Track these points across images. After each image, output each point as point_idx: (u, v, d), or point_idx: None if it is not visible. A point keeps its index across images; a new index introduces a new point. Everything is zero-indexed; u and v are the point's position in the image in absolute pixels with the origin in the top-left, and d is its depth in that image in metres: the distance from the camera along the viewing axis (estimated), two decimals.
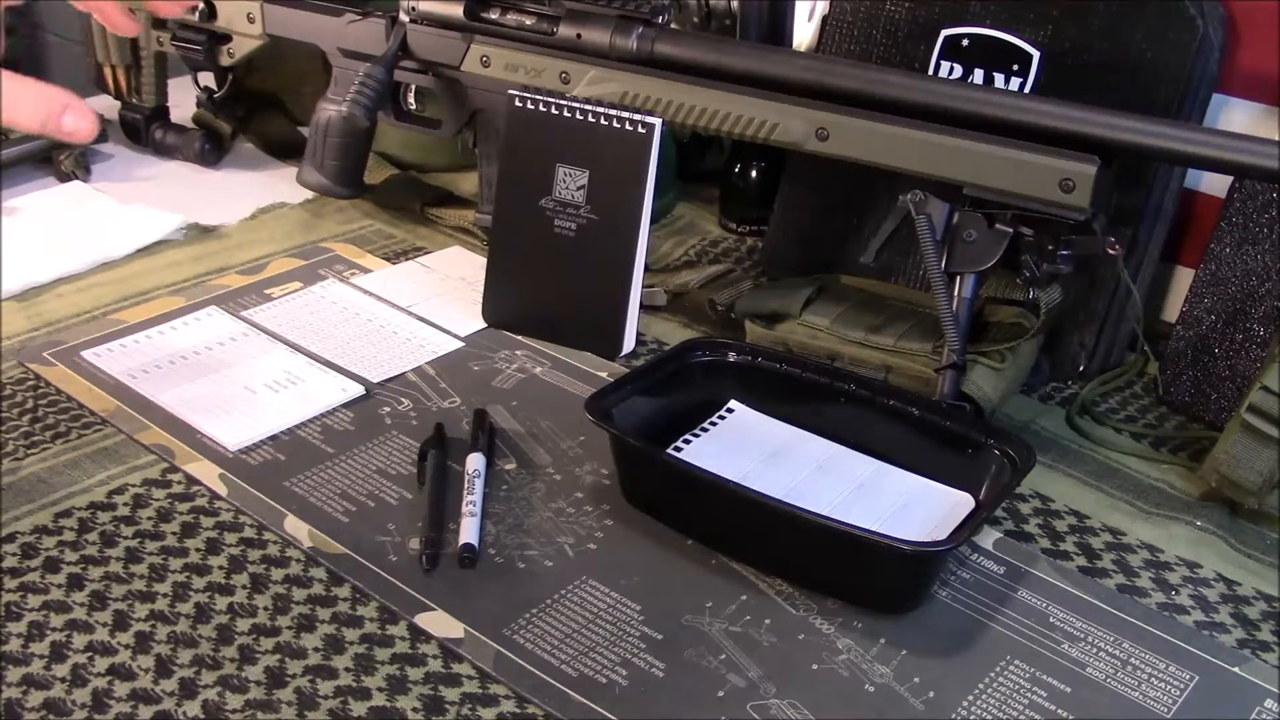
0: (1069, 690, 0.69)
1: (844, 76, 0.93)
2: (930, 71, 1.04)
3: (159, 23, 1.27)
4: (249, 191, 1.27)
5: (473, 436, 0.86)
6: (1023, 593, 0.76)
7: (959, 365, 0.88)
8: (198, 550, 0.77)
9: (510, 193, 1.00)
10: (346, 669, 0.68)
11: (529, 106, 0.98)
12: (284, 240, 1.18)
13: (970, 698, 0.68)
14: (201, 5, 1.21)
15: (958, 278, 0.89)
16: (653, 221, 1.02)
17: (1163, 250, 1.01)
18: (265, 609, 0.72)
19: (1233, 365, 0.93)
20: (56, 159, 1.28)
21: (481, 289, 1.04)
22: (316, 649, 0.70)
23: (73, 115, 0.67)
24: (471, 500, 0.80)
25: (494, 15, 1.05)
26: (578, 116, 0.96)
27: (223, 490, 0.82)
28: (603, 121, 0.96)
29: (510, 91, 0.99)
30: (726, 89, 0.95)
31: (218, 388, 0.93)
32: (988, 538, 0.81)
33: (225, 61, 1.25)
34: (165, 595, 0.73)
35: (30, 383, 0.93)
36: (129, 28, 0.79)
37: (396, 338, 1.01)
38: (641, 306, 1.00)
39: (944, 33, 1.04)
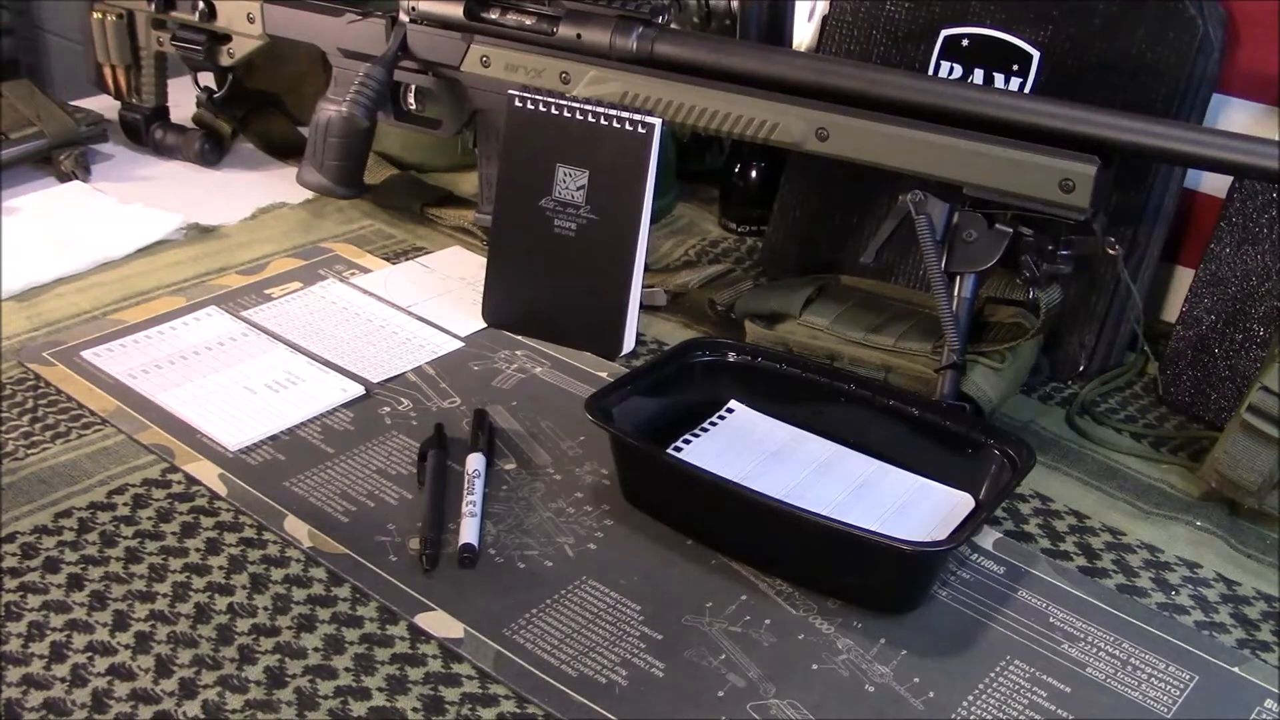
0: (1069, 690, 0.69)
1: (844, 76, 0.93)
2: (930, 71, 1.05)
3: (159, 23, 1.27)
4: (249, 191, 1.27)
5: (473, 436, 0.86)
6: (1023, 593, 0.76)
7: (959, 365, 0.88)
8: (198, 550, 0.77)
9: (510, 193, 1.00)
10: (346, 669, 0.68)
11: (529, 106, 0.98)
12: (284, 240, 1.18)
13: (970, 698, 0.68)
14: (202, 5, 1.21)
15: (958, 278, 0.89)
16: (653, 221, 1.02)
17: (1163, 250, 1.01)
18: (265, 609, 0.72)
19: (1233, 365, 0.93)
20: (56, 159, 1.28)
21: (481, 289, 1.04)
22: (316, 649, 0.70)
23: None
24: (471, 500, 0.80)
25: (494, 15, 1.05)
26: (578, 116, 0.96)
27: (223, 490, 0.82)
28: (603, 121, 0.96)
29: (510, 91, 0.99)
30: (726, 89, 0.95)
31: (218, 388, 0.93)
32: (988, 538, 0.81)
33: (225, 61, 1.25)
34: (165, 595, 0.73)
35: (30, 383, 0.93)
36: None
37: (396, 338, 1.01)
38: (641, 306, 1.00)
39: (944, 33, 1.04)
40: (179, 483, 0.83)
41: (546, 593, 0.74)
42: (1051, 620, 0.74)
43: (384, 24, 1.11)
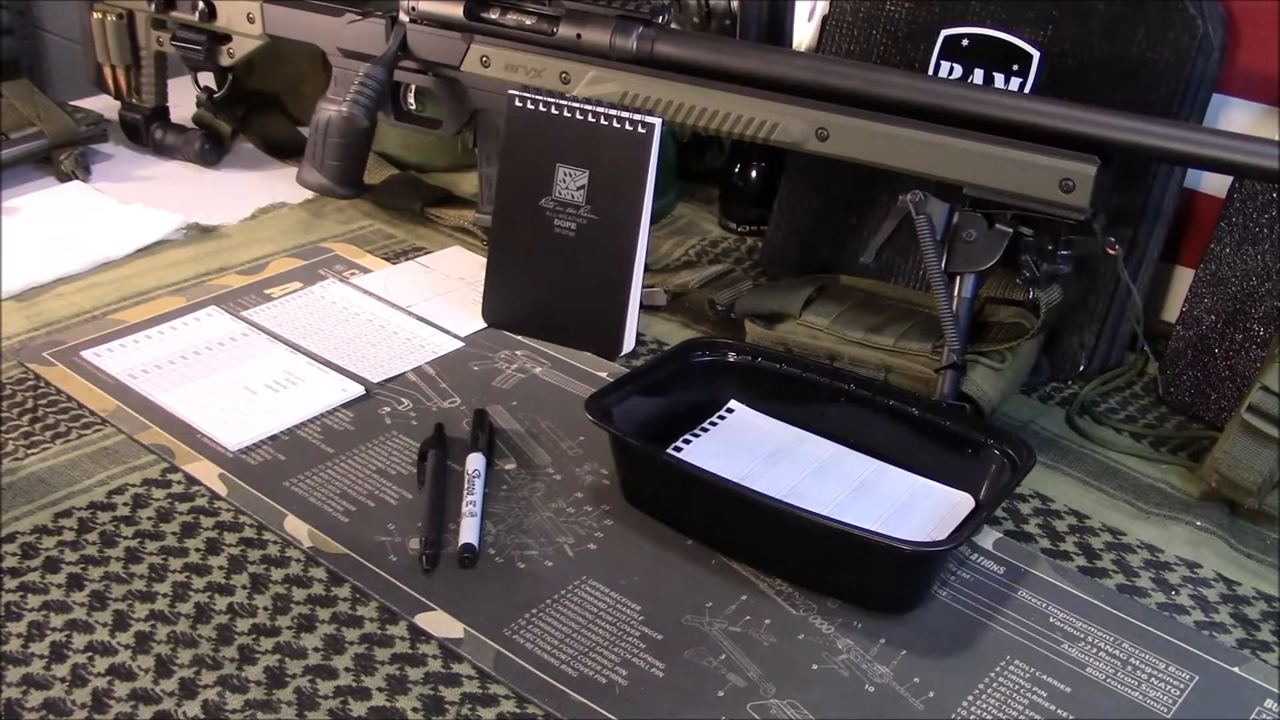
0: (1069, 690, 0.69)
1: (844, 76, 0.93)
2: (930, 71, 1.04)
3: (159, 23, 1.27)
4: (249, 191, 1.27)
5: (473, 436, 0.86)
6: (1023, 593, 0.76)
7: (959, 365, 0.88)
8: (198, 550, 0.77)
9: (510, 193, 1.00)
10: (346, 669, 0.68)
11: (529, 106, 0.98)
12: (284, 240, 1.18)
13: (970, 698, 0.68)
14: (202, 5, 1.21)
15: (958, 278, 0.89)
16: (653, 221, 1.02)
17: (1163, 250, 1.01)
18: (265, 609, 0.72)
19: (1233, 365, 0.93)
20: (56, 159, 1.28)
21: (481, 289, 1.04)
22: (316, 649, 0.70)
23: None
24: (471, 500, 0.80)
25: (494, 15, 1.05)
26: (578, 116, 0.96)
27: (223, 490, 0.82)
28: (603, 121, 0.96)
29: (510, 91, 0.99)
30: (726, 89, 0.95)
31: (218, 388, 0.93)
32: (988, 538, 0.81)
33: (225, 61, 1.25)
34: (165, 595, 0.73)
35: (30, 383, 0.93)
36: None
37: (396, 338, 1.01)
38: (641, 306, 1.00)
39: (944, 33, 1.04)
40: (179, 483, 0.83)
41: (546, 593, 0.74)
42: (1051, 620, 0.74)
43: (384, 24, 1.11)
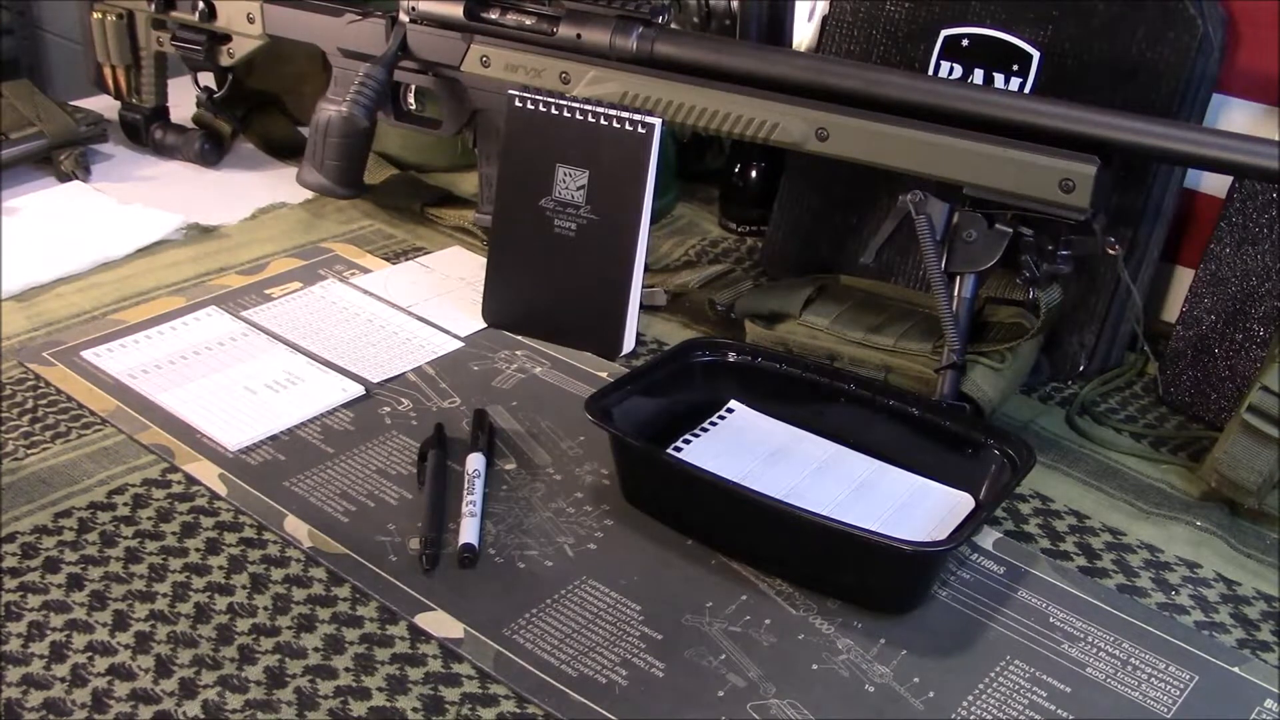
0: (1069, 690, 0.69)
1: (844, 76, 0.93)
2: (930, 71, 1.04)
3: (159, 23, 1.27)
4: (249, 191, 1.27)
5: (473, 436, 0.86)
6: (1023, 593, 0.76)
7: (959, 365, 0.88)
8: (197, 550, 0.77)
9: (510, 193, 1.00)
10: (346, 669, 0.68)
11: (529, 106, 0.98)
12: (284, 240, 1.18)
13: (970, 698, 0.68)
14: (202, 5, 1.21)
15: (958, 278, 0.89)
16: (653, 221, 1.02)
17: (1163, 250, 1.01)
18: (265, 609, 0.72)
19: (1233, 365, 0.93)
20: (56, 159, 1.28)
21: (481, 289, 1.04)
22: (316, 649, 0.70)
23: None
24: (471, 500, 0.80)
25: (494, 15, 1.05)
26: (578, 116, 0.96)
27: (223, 490, 0.82)
28: (603, 121, 0.96)
29: (510, 91, 0.99)
30: (726, 89, 0.95)
31: (218, 388, 0.93)
32: (988, 538, 0.81)
33: (225, 61, 1.25)
34: (165, 595, 0.73)
35: (30, 383, 0.93)
36: None
37: (396, 338, 1.01)
38: (641, 306, 1.00)
39: (944, 33, 1.04)
40: (179, 483, 0.83)
41: (546, 593, 0.74)
42: (1051, 620, 0.74)
43: (384, 24, 1.11)
